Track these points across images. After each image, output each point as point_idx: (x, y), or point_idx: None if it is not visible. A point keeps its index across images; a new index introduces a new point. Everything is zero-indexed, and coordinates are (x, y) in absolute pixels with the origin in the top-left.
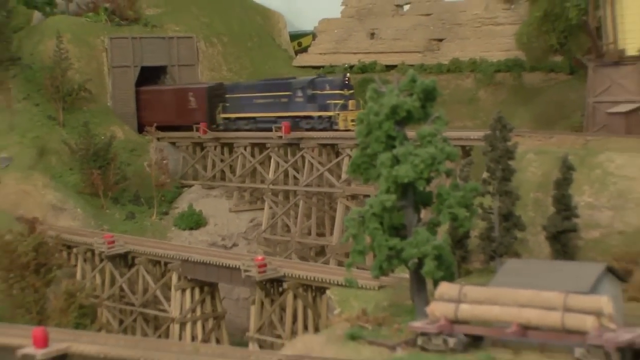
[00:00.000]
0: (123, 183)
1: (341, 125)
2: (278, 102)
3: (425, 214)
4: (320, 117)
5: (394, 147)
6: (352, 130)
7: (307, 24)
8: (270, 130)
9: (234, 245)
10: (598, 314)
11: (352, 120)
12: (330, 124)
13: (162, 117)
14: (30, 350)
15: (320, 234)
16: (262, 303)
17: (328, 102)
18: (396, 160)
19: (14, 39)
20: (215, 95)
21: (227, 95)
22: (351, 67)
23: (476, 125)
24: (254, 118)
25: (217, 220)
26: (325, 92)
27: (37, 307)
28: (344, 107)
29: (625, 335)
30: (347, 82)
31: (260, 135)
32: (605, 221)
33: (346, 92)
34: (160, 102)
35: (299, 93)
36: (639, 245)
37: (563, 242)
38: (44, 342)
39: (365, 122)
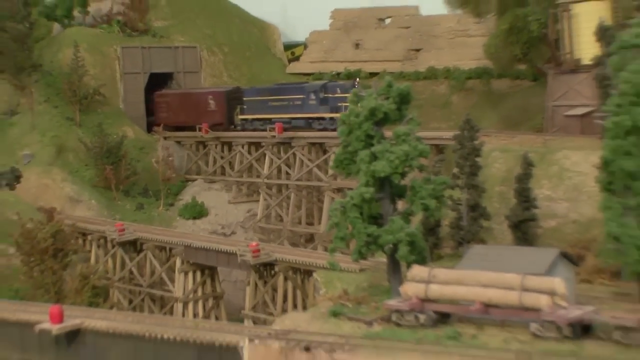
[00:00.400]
0: (133, 177)
1: None
2: (292, 104)
3: (400, 205)
4: (332, 118)
5: (372, 145)
6: None
7: (299, 36)
8: (285, 130)
9: (233, 233)
10: (552, 293)
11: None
12: None
13: (182, 118)
14: (47, 325)
15: (310, 223)
16: (256, 284)
17: (339, 104)
18: (374, 157)
19: (36, 48)
20: (233, 98)
21: (244, 98)
22: (338, 74)
23: (449, 126)
24: (269, 119)
25: (218, 210)
26: (337, 95)
27: (55, 288)
28: None
29: (576, 312)
30: (356, 86)
31: (255, 135)
32: (562, 212)
33: None
34: (181, 105)
35: (312, 96)
36: (592, 233)
37: (524, 230)
38: (59, 318)
39: (347, 122)
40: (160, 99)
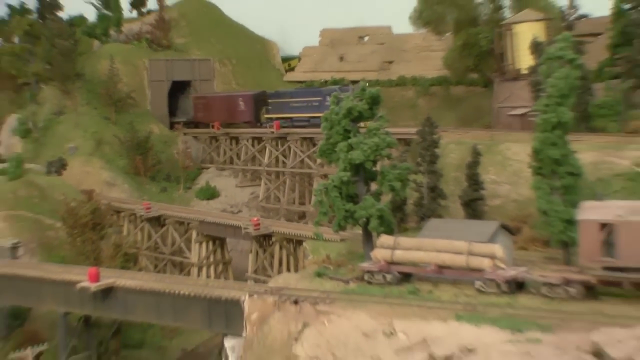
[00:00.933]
0: (158, 166)
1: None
2: (311, 105)
3: (372, 186)
4: None
5: (349, 137)
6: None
7: (294, 50)
8: (304, 127)
9: (239, 211)
10: (492, 257)
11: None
12: None
13: (216, 117)
14: (86, 284)
15: (302, 203)
16: (257, 252)
17: None
18: (351, 147)
19: (79, 61)
20: (260, 100)
21: (269, 100)
22: (325, 82)
23: (416, 124)
24: (290, 118)
25: (227, 193)
26: None
27: (93, 255)
28: None
29: (511, 272)
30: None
31: (257, 131)
32: (504, 192)
33: None
34: (215, 106)
35: (328, 98)
36: (528, 210)
37: (473, 208)
38: (96, 278)
39: (328, 120)
40: (197, 101)
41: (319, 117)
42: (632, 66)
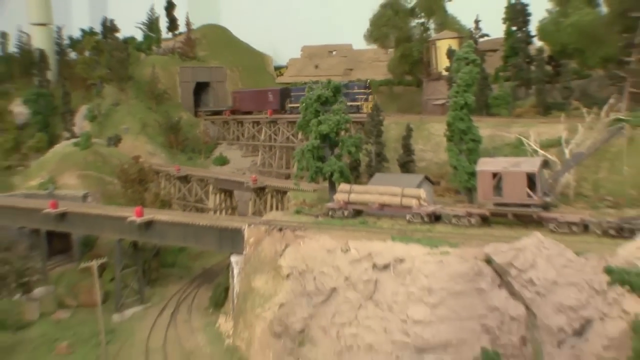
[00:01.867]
0: (186, 141)
1: (364, 110)
2: None
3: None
4: (351, 105)
5: (319, 115)
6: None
7: (283, 61)
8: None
9: (243, 173)
10: (418, 198)
11: (370, 107)
12: (357, 110)
13: (250, 106)
14: (133, 218)
15: (287, 168)
16: (255, 200)
17: (357, 96)
18: (320, 122)
19: (130, 67)
20: (285, 93)
21: (291, 94)
22: (305, 83)
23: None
24: None
25: (235, 161)
26: (355, 90)
27: (139, 201)
28: (366, 100)
29: (430, 208)
30: (367, 85)
31: (256, 117)
32: (429, 157)
33: (367, 91)
34: (250, 98)
35: None
36: (445, 170)
37: (407, 168)
38: (141, 214)
39: (304, 103)
40: (235, 94)
41: None
42: (517, 71)
